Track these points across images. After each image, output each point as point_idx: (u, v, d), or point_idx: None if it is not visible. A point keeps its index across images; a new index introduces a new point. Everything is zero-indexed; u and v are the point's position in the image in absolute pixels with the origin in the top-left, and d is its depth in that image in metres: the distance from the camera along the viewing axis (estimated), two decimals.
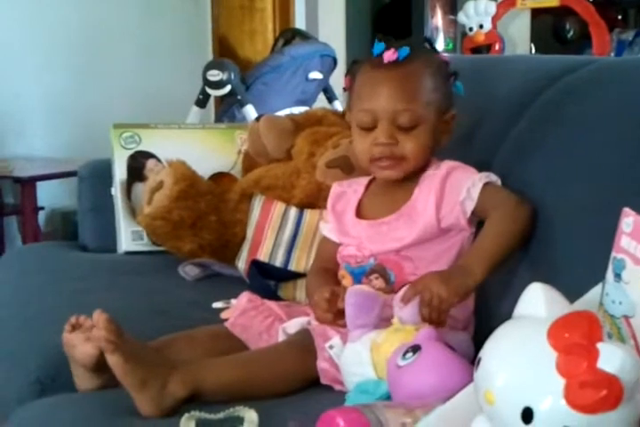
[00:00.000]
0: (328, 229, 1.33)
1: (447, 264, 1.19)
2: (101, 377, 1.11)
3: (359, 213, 1.29)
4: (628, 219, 0.71)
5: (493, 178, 1.20)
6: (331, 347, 1.08)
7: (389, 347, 1.00)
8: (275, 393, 1.07)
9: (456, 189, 1.20)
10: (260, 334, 1.22)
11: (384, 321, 1.07)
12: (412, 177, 1.24)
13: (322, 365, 1.08)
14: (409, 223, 1.22)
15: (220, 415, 0.98)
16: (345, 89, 1.29)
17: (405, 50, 1.19)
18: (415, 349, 0.94)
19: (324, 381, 1.09)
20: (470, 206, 1.18)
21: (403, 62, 1.19)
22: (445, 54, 1.32)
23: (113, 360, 1.01)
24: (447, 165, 1.23)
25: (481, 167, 1.26)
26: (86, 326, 1.10)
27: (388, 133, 1.19)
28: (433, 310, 1.03)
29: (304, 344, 1.10)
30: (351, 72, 1.27)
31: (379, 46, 1.22)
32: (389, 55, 1.19)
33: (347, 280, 1.26)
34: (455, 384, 0.87)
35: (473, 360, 1.10)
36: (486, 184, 1.19)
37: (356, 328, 1.06)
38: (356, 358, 1.04)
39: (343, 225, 1.30)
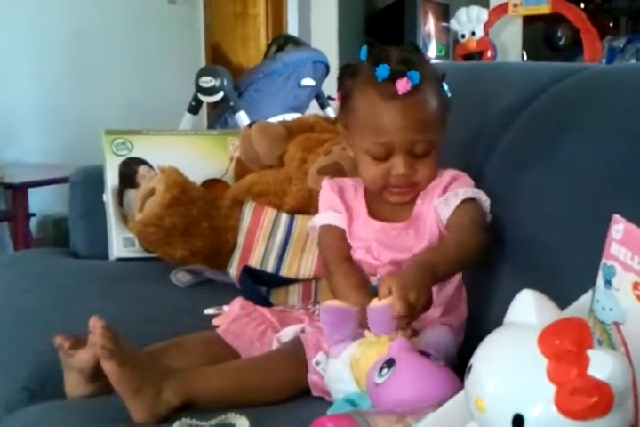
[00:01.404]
0: (340, 218, 1.26)
1: None
2: (95, 384, 1.11)
3: (370, 213, 1.26)
4: (617, 226, 0.71)
5: (482, 197, 1.19)
6: (317, 363, 1.06)
7: (367, 362, 0.98)
8: (268, 401, 1.06)
9: (445, 195, 1.20)
10: (252, 342, 1.21)
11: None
12: None
13: (312, 377, 1.08)
14: (417, 234, 1.21)
15: (212, 422, 0.97)
16: (332, 98, 1.27)
17: (416, 75, 1.12)
18: (390, 363, 0.92)
19: (315, 393, 1.08)
20: (446, 214, 1.18)
21: (414, 89, 1.13)
22: (437, 61, 1.29)
23: (108, 367, 1.01)
24: (449, 174, 1.23)
25: (472, 175, 1.26)
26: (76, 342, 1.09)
27: (407, 165, 1.17)
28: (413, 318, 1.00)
29: (296, 354, 1.09)
30: (346, 87, 1.21)
31: (383, 70, 1.13)
32: (404, 86, 1.12)
33: None
34: (435, 392, 0.87)
35: (457, 353, 1.11)
36: (471, 201, 1.18)
37: (335, 344, 1.04)
38: (337, 375, 1.03)
39: (352, 222, 1.26)
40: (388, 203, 1.25)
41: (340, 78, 1.23)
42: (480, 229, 1.16)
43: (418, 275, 1.01)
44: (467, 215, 1.17)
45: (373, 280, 1.21)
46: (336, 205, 1.27)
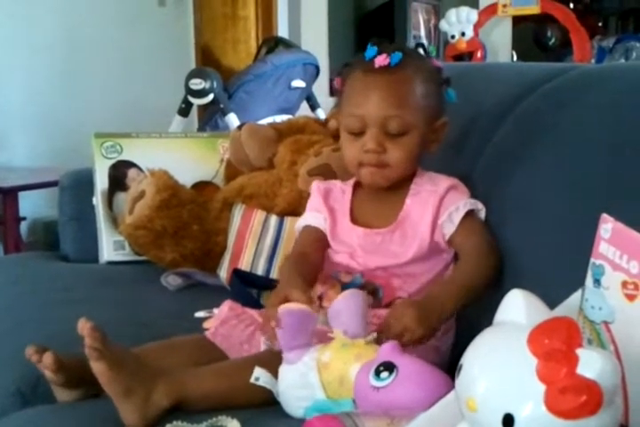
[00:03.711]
0: (320, 220, 1.28)
1: (431, 279, 1.21)
2: (78, 390, 1.12)
3: (352, 219, 1.26)
4: (606, 225, 0.72)
5: (479, 206, 1.20)
6: (256, 379, 1.02)
7: (342, 364, 0.96)
8: (258, 402, 1.05)
9: (447, 210, 1.20)
10: (241, 343, 1.20)
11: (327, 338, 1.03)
12: (399, 184, 1.23)
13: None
14: (403, 239, 1.21)
15: (203, 425, 0.97)
16: (334, 91, 1.28)
17: (398, 55, 1.17)
18: (388, 367, 0.90)
19: None
20: (450, 230, 1.19)
21: (394, 68, 1.17)
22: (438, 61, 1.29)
23: (97, 368, 1.00)
24: (447, 183, 1.22)
25: (462, 176, 1.26)
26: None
27: (376, 141, 1.17)
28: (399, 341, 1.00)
29: None
30: (342, 74, 1.25)
31: (371, 50, 1.19)
32: (381, 60, 1.17)
33: (336, 290, 1.23)
34: (439, 395, 0.85)
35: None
36: (470, 212, 1.19)
37: (293, 349, 1.01)
38: (301, 380, 0.99)
39: (335, 226, 1.27)
40: (375, 205, 1.26)
41: (343, 67, 1.27)
42: (485, 252, 1.16)
43: (424, 315, 1.05)
44: (469, 239, 1.18)
45: (346, 278, 1.21)
46: (318, 207, 1.29)
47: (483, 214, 1.21)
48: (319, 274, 1.23)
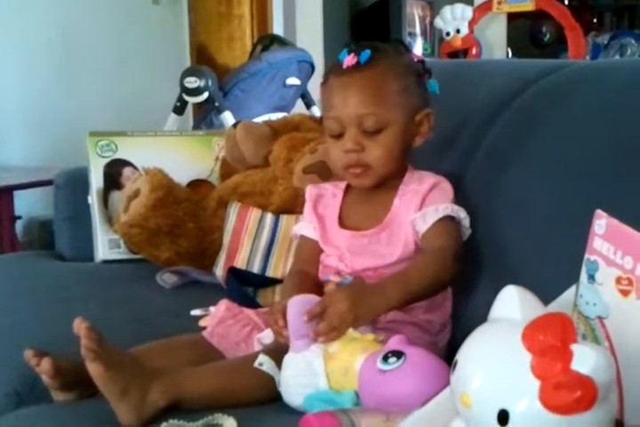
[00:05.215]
0: (311, 229, 1.29)
1: None
2: (73, 391, 1.12)
3: (341, 222, 1.27)
4: (600, 221, 0.72)
5: (462, 215, 1.18)
6: (260, 364, 1.04)
7: (348, 356, 0.97)
8: (254, 401, 1.05)
9: (425, 208, 1.19)
10: (238, 343, 1.21)
11: None
12: (388, 184, 1.22)
13: None
14: (390, 240, 1.20)
15: (199, 423, 0.97)
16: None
17: (366, 53, 1.17)
18: (396, 354, 0.92)
19: None
20: (422, 229, 1.17)
21: (365, 66, 1.17)
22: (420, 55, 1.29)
23: (93, 369, 1.00)
24: (430, 181, 1.21)
25: (457, 173, 1.26)
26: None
27: (354, 140, 1.17)
28: (331, 328, 1.02)
29: (281, 353, 1.08)
30: (323, 81, 1.25)
31: (343, 53, 1.20)
32: (349, 60, 1.18)
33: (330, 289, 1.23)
34: (441, 388, 0.86)
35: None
36: (451, 218, 1.18)
37: (300, 338, 1.03)
38: (306, 368, 1.01)
39: (325, 231, 1.27)
40: (364, 207, 1.25)
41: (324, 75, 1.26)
42: (449, 257, 1.14)
43: (360, 300, 1.04)
44: (439, 238, 1.16)
45: (336, 279, 1.21)
46: (309, 216, 1.30)
47: (466, 223, 1.19)
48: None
